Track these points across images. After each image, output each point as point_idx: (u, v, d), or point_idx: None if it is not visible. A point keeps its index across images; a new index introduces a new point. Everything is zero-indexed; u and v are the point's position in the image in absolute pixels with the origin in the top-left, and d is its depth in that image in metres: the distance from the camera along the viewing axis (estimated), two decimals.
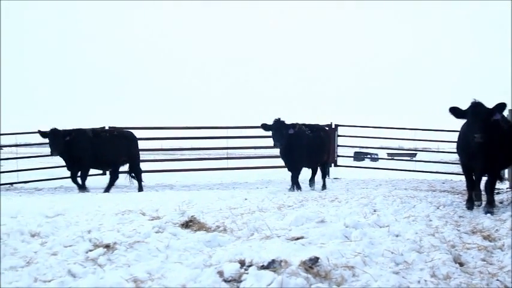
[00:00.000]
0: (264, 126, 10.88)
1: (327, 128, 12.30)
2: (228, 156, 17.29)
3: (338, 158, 17.29)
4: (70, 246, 4.75)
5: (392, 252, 4.55)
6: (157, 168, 16.67)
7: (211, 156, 19.35)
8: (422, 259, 4.42)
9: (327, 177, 12.40)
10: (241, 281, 3.81)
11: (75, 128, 12.35)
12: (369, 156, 34.94)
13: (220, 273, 3.91)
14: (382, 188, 11.64)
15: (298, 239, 5.04)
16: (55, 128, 11.94)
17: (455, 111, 7.28)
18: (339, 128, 16.98)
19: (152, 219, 6.15)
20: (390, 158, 25.47)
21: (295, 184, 11.10)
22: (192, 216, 6.12)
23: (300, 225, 5.72)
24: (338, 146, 17.18)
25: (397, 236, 5.22)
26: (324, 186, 11.92)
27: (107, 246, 4.62)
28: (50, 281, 3.84)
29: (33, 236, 5.20)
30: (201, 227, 5.68)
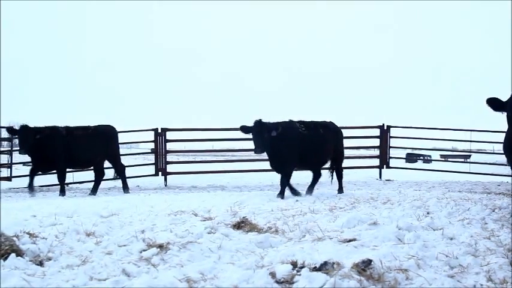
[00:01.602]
0: (243, 129, 9.90)
1: (332, 125, 10.98)
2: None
3: (390, 159, 17.05)
4: (124, 245, 4.87)
5: (446, 256, 4.45)
6: (209, 170, 16.83)
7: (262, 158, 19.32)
8: (477, 263, 4.31)
9: (342, 179, 11.12)
10: (293, 283, 3.81)
11: (48, 125, 11.78)
12: (421, 157, 34.34)
13: (273, 275, 3.92)
14: (436, 190, 11.43)
15: (350, 241, 5.01)
16: (25, 125, 11.36)
17: (494, 103, 6.50)
18: (391, 129, 16.74)
19: (204, 220, 6.24)
20: (444, 159, 24.97)
21: (288, 188, 10.10)
22: (243, 217, 6.18)
23: (352, 227, 5.68)
24: (390, 147, 16.94)
25: (451, 239, 5.11)
26: (340, 190, 10.82)
27: (160, 246, 4.70)
28: (105, 280, 3.95)
29: (88, 235, 5.34)
30: (253, 228, 5.72)
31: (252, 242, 5.04)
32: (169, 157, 16.37)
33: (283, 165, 10.04)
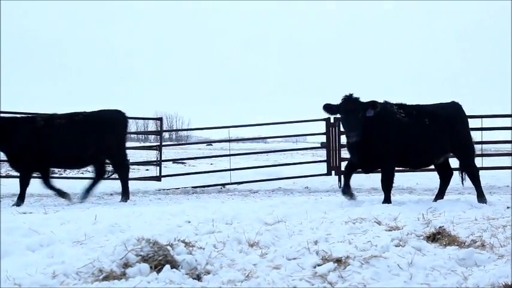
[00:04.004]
0: (328, 108, 9.36)
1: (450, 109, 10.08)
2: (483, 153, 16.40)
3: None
4: (294, 259, 4.97)
5: None
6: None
7: None
8: None
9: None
10: None
11: (24, 115, 11.50)
12: None
13: None
14: None
15: None
16: None
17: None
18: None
19: (390, 230, 6.20)
20: None
21: (388, 193, 9.57)
22: (440, 227, 6.04)
23: None
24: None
25: None
26: (480, 198, 9.68)
27: (338, 261, 4.73)
28: None
29: (251, 245, 5.52)
30: (452, 240, 5.57)
31: (451, 258, 4.90)
32: (344, 153, 16.26)
33: (378, 162, 9.69)
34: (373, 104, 9.15)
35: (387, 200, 9.33)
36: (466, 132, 10.30)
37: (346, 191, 9.67)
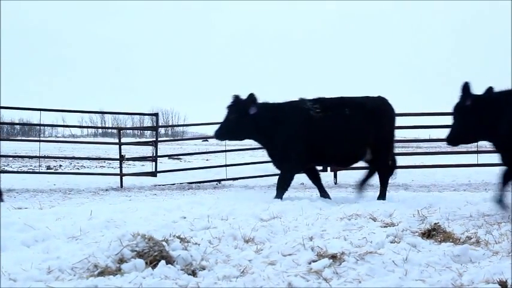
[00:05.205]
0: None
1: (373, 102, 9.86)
2: (478, 149, 16.35)
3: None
4: (289, 255, 4.97)
5: None
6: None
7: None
8: None
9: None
10: None
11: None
12: None
13: None
14: None
15: None
16: None
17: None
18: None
19: (385, 226, 6.23)
20: None
21: (283, 190, 9.56)
22: (435, 223, 6.04)
23: None
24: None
25: None
26: (381, 196, 9.63)
27: (333, 257, 4.73)
28: None
29: (247, 241, 5.54)
30: (447, 237, 5.59)
31: (446, 254, 4.91)
32: None
33: (282, 159, 9.70)
34: (249, 100, 9.57)
35: (278, 196, 9.36)
36: (387, 128, 9.98)
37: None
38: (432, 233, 5.73)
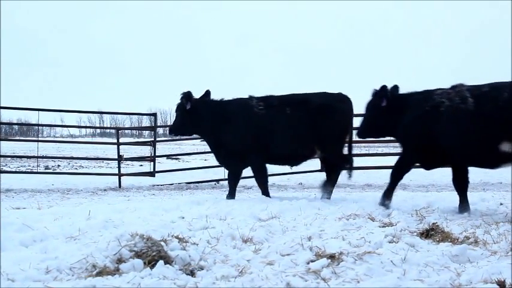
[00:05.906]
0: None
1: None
2: None
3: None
4: (288, 255, 4.98)
5: None
6: (382, 165, 16.47)
7: None
8: None
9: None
10: None
11: None
12: None
13: None
14: None
15: None
16: None
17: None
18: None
19: (384, 226, 6.23)
20: None
21: (231, 188, 10.06)
22: (433, 223, 6.06)
23: None
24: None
25: None
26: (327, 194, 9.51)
27: (332, 257, 4.74)
28: None
29: (245, 241, 5.54)
30: (446, 237, 5.60)
31: (445, 254, 4.92)
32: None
33: (224, 157, 10.07)
34: (184, 97, 9.88)
35: (231, 196, 9.92)
36: (338, 125, 9.52)
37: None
38: (430, 232, 5.74)
